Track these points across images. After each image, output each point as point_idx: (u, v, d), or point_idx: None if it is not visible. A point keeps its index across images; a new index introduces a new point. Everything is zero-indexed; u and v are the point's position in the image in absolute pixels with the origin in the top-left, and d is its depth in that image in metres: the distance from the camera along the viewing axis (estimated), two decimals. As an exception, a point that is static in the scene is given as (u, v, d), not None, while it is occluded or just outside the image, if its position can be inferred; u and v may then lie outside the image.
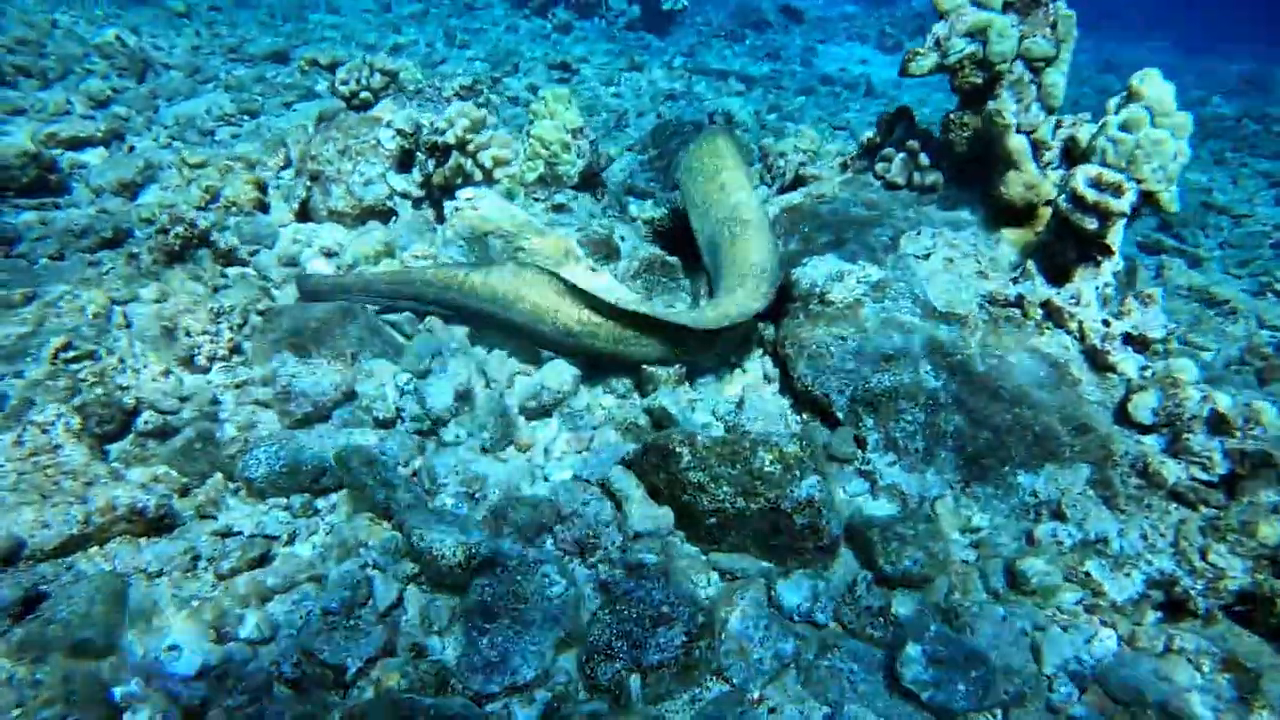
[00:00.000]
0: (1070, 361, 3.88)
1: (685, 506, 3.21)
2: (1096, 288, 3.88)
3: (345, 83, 6.64)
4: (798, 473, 3.10)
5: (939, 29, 4.25)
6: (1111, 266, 3.91)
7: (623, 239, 5.19)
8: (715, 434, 3.67)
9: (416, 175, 4.92)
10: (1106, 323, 3.86)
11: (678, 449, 3.17)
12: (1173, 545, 3.26)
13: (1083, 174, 3.73)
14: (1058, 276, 4.01)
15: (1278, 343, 5.92)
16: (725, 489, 3.11)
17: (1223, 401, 3.54)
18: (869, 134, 4.93)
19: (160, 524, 2.89)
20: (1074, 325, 3.89)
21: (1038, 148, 4.15)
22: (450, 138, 4.68)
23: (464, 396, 3.71)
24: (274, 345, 3.81)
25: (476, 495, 3.27)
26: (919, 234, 4.29)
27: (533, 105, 5.43)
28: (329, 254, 4.58)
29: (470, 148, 4.71)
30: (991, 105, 4.07)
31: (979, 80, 4.18)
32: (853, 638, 2.97)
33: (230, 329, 3.85)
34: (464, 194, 4.45)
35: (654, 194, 6.59)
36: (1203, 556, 3.18)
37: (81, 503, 2.78)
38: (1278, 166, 10.78)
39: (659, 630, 2.68)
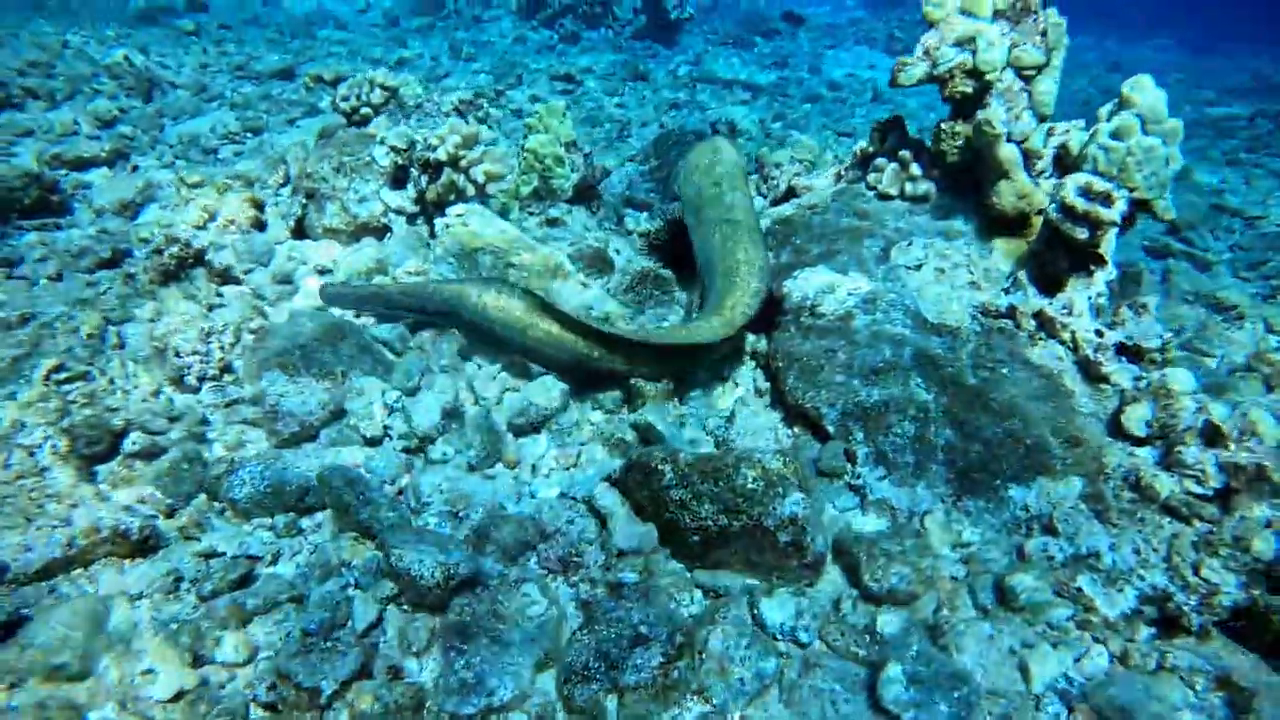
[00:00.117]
0: (1063, 373, 3.84)
1: (668, 524, 3.19)
2: (1089, 297, 3.84)
3: (346, 99, 6.68)
4: (781, 490, 3.08)
5: (928, 38, 4.22)
6: (1104, 276, 3.86)
7: (617, 252, 5.19)
8: (700, 450, 3.66)
9: (411, 191, 4.94)
10: (1100, 333, 3.82)
11: (659, 466, 3.16)
12: (1166, 560, 3.21)
13: (1073, 183, 3.69)
14: (1050, 286, 3.97)
15: (1283, 347, 5.84)
16: (708, 506, 3.09)
17: (1218, 412, 3.48)
18: (862, 143, 4.91)
19: (145, 545, 2.91)
20: (1067, 336, 3.85)
21: (1029, 156, 4.11)
22: (442, 154, 4.70)
23: (451, 414, 3.71)
24: (264, 364, 3.83)
25: (460, 513, 3.27)
26: (910, 245, 4.26)
27: (527, 119, 5.44)
28: (322, 271, 4.61)
29: (462, 163, 4.73)
30: (982, 114, 4.04)
31: (969, 89, 4.15)
32: (837, 656, 2.94)
33: (221, 348, 3.88)
34: (454, 210, 4.46)
35: (653, 205, 6.59)
36: (1196, 572, 3.12)
37: (65, 525, 2.80)
38: (1292, 167, 10.61)
39: (636, 651, 2.66)
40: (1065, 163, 4.08)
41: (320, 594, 2.86)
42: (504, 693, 2.59)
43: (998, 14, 4.13)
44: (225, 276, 4.54)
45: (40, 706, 2.24)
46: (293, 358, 3.84)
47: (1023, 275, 3.96)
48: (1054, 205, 3.73)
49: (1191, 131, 12.27)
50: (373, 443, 3.63)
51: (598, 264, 4.89)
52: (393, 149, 4.92)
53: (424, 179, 4.87)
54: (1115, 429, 3.63)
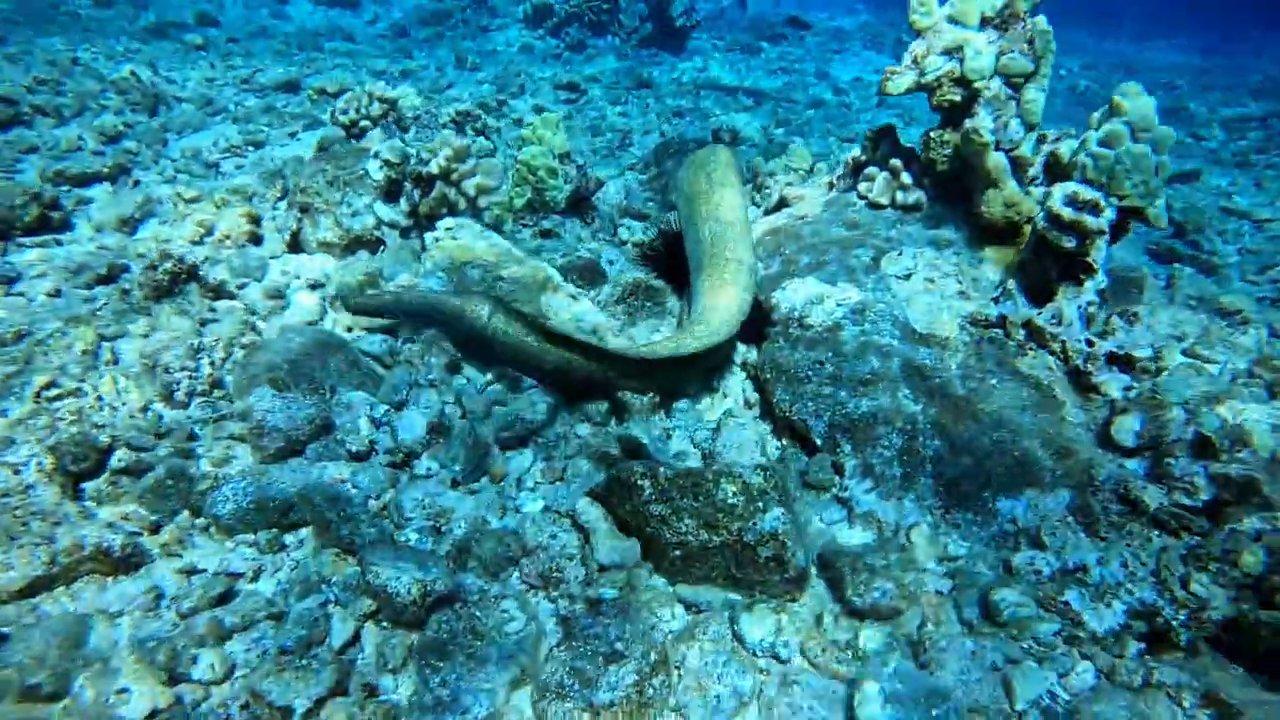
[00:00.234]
0: (1053, 383, 3.80)
1: (650, 539, 3.19)
2: (1079, 307, 3.80)
3: (345, 112, 6.74)
4: (761, 505, 3.07)
5: (916, 46, 4.21)
6: (1094, 285, 3.82)
7: (610, 263, 5.20)
8: (682, 464, 3.65)
9: (404, 205, 4.96)
10: (1090, 342, 3.78)
11: (639, 481, 3.15)
12: (1154, 574, 3.17)
13: (1060, 192, 3.66)
14: (1040, 296, 3.94)
15: (1289, 353, 5.76)
16: (688, 521, 3.08)
17: (1209, 423, 3.44)
18: (855, 152, 4.89)
19: (128, 563, 2.93)
20: (1056, 346, 3.81)
21: (1019, 165, 4.08)
22: (434, 167, 4.73)
23: (437, 429, 3.72)
24: (254, 379, 3.85)
25: (442, 529, 3.28)
26: (900, 254, 4.24)
27: (522, 131, 5.46)
28: (314, 285, 4.64)
29: (454, 177, 4.75)
30: (969, 123, 4.02)
31: (957, 98, 4.12)
32: (818, 673, 2.91)
33: (211, 364, 3.91)
34: (444, 224, 4.48)
35: (650, 215, 6.59)
36: (1184, 586, 3.08)
37: (48, 543, 2.83)
38: (1304, 168, 10.49)
39: (610, 668, 2.66)
40: (1055, 171, 4.04)
41: (299, 611, 2.87)
42: (478, 710, 2.59)
43: (985, 22, 4.11)
44: (219, 291, 4.57)
45: (14, 726, 2.26)
46: (281, 373, 3.86)
47: (1012, 285, 3.92)
48: (1042, 214, 3.70)
49: (1203, 132, 12.16)
50: (359, 457, 3.64)
51: (589, 276, 4.89)
52: (386, 163, 4.95)
53: (416, 192, 4.89)
54: (1105, 440, 3.59)
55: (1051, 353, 3.84)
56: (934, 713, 2.65)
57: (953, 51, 4.07)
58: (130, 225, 5.39)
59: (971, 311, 3.99)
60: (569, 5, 15.29)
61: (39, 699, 2.39)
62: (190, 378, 3.81)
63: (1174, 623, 3.05)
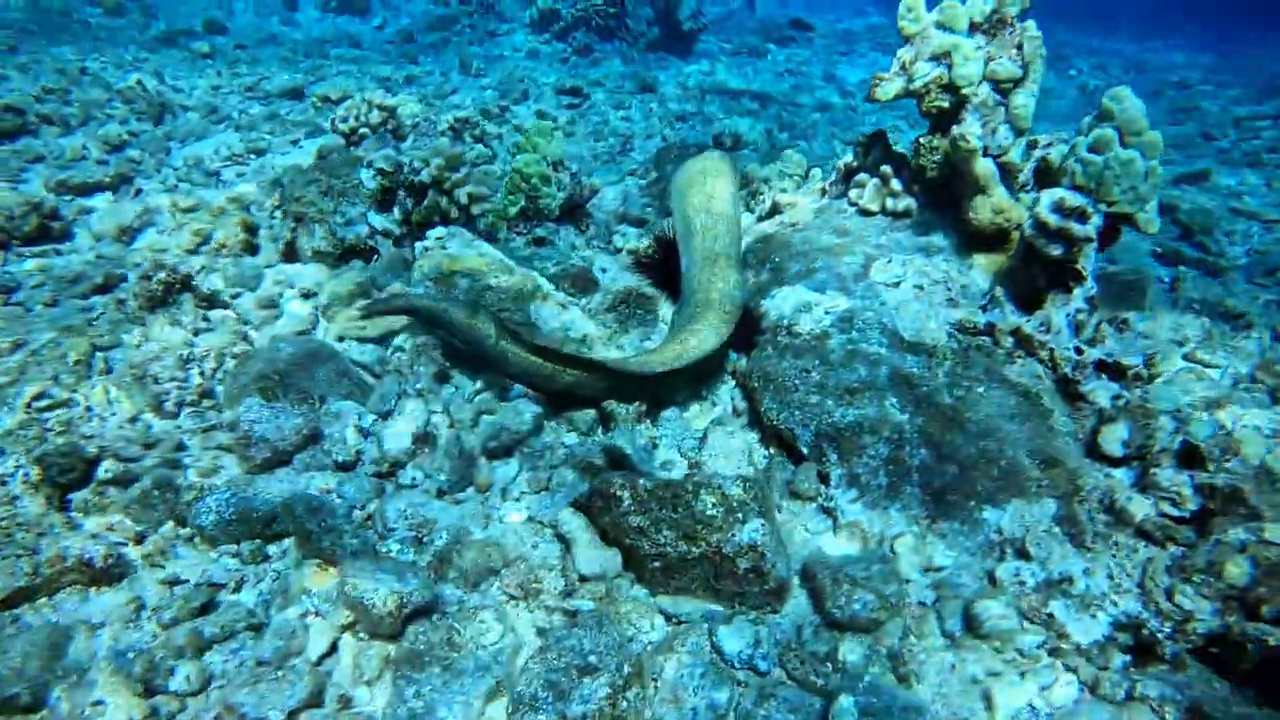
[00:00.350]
0: (1042, 392, 3.77)
1: (629, 550, 3.19)
2: (1067, 314, 3.77)
3: (344, 120, 6.79)
4: (740, 516, 3.06)
5: (904, 53, 4.19)
6: (1083, 292, 3.79)
7: (603, 271, 5.20)
8: (669, 474, 3.65)
9: (397, 214, 4.99)
10: (1079, 350, 3.75)
11: (618, 493, 3.15)
12: (1139, 586, 3.14)
13: (1047, 199, 3.63)
14: (1029, 303, 3.91)
15: (1294, 358, 5.68)
16: (666, 533, 3.08)
17: (1199, 431, 3.41)
18: (846, 159, 4.87)
19: (110, 574, 2.96)
20: (1045, 354, 3.78)
21: (1008, 171, 4.05)
22: (426, 177, 4.75)
23: (423, 439, 3.73)
24: (244, 389, 3.88)
25: (424, 539, 3.29)
26: (890, 261, 4.22)
27: (516, 139, 5.47)
28: (307, 295, 4.67)
29: (446, 185, 4.77)
30: (956, 130, 3.99)
31: (945, 104, 4.10)
32: (796, 685, 2.90)
33: (201, 374, 3.94)
34: (434, 234, 4.50)
35: (649, 221, 6.59)
36: (1169, 598, 3.05)
37: (31, 554, 2.86)
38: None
39: (584, 680, 2.65)
40: (1046, 177, 4.01)
41: (279, 622, 2.89)
42: (452, 722, 2.60)
43: (974, 27, 4.09)
44: (213, 301, 4.61)
45: (-12, 738, 2.28)
46: (271, 382, 3.89)
47: (1000, 292, 3.90)
48: (1030, 221, 3.68)
49: (1213, 131, 12.03)
50: (345, 468, 3.66)
51: (582, 284, 4.89)
52: (379, 172, 4.98)
53: (409, 201, 4.92)
54: (1093, 449, 3.56)
55: (1040, 361, 3.81)
56: (909, 726, 2.63)
57: (940, 57, 4.05)
58: (129, 235, 5.45)
59: (960, 319, 3.97)
60: (575, 10, 15.31)
61: (16, 710, 2.42)
62: (179, 388, 3.84)
63: (1159, 635, 3.02)
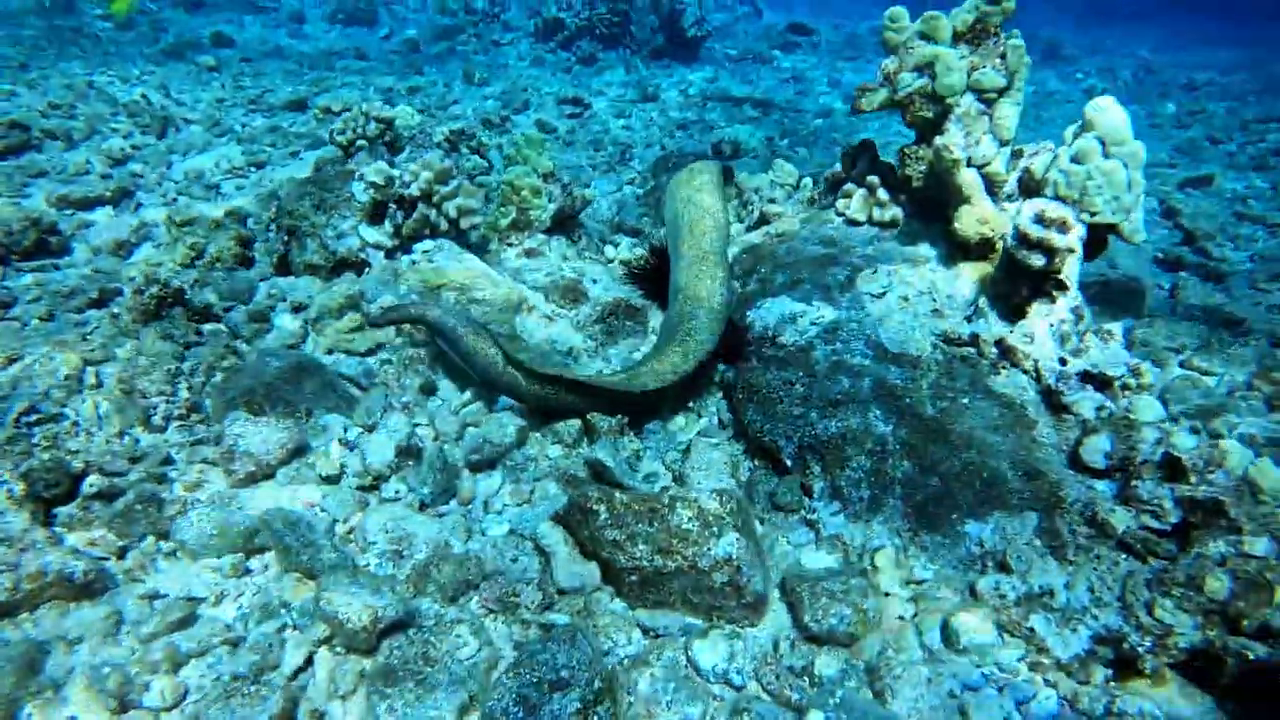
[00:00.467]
0: (1026, 403, 3.75)
1: (607, 563, 3.19)
2: (1052, 325, 3.75)
3: (342, 132, 6.83)
4: (716, 530, 3.06)
5: (888, 64, 4.19)
6: (1068, 302, 3.77)
7: (595, 281, 5.21)
8: (653, 486, 3.65)
9: (389, 226, 5.02)
10: (1063, 361, 3.73)
11: (594, 506, 3.16)
12: (1120, 599, 3.12)
13: (1028, 210, 3.62)
14: (1016, 313, 3.89)
15: (1293, 364, 5.63)
16: (642, 547, 3.08)
17: (1183, 443, 3.38)
18: (835, 168, 4.87)
19: (90, 589, 2.99)
20: (1029, 364, 3.76)
21: (992, 181, 4.04)
22: (415, 190, 4.78)
23: (406, 452, 3.75)
24: (231, 403, 3.92)
25: (404, 553, 3.30)
26: (875, 272, 4.21)
27: (507, 151, 5.50)
28: (298, 308, 4.71)
29: (435, 199, 4.80)
30: (939, 140, 3.99)
31: (930, 114, 4.10)
32: (770, 700, 2.90)
33: (189, 389, 3.98)
34: (421, 247, 4.52)
35: (644, 230, 6.61)
36: (1149, 611, 3.03)
37: (12, 570, 2.89)
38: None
39: (554, 695, 2.66)
40: (1030, 187, 3.99)
41: (256, 636, 2.91)
42: (424, 738, 2.61)
43: (958, 37, 4.08)
44: (206, 314, 4.66)
45: (-39, 754, 2.31)
46: (257, 396, 3.93)
47: (984, 302, 3.88)
48: (1011, 232, 3.66)
49: (1220, 133, 11.94)
50: (330, 481, 3.68)
51: (572, 295, 4.91)
52: (371, 185, 5.01)
53: (400, 214, 4.95)
54: (1076, 461, 3.54)
55: (1024, 371, 3.80)
56: (881, 742, 2.62)
57: (924, 68, 4.05)
58: (126, 249, 5.51)
59: (945, 329, 3.96)
60: (579, 19, 15.39)
61: (-12, 726, 2.45)
62: (167, 402, 3.88)
63: (1139, 649, 2.99)
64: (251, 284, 5.00)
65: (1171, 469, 3.30)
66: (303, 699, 2.73)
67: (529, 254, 5.25)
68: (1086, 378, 3.72)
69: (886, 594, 3.32)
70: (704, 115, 11.30)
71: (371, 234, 5.02)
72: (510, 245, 5.30)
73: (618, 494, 3.18)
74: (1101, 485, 3.44)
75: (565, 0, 15.59)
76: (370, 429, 3.91)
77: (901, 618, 3.23)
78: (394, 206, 5.00)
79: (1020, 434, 3.64)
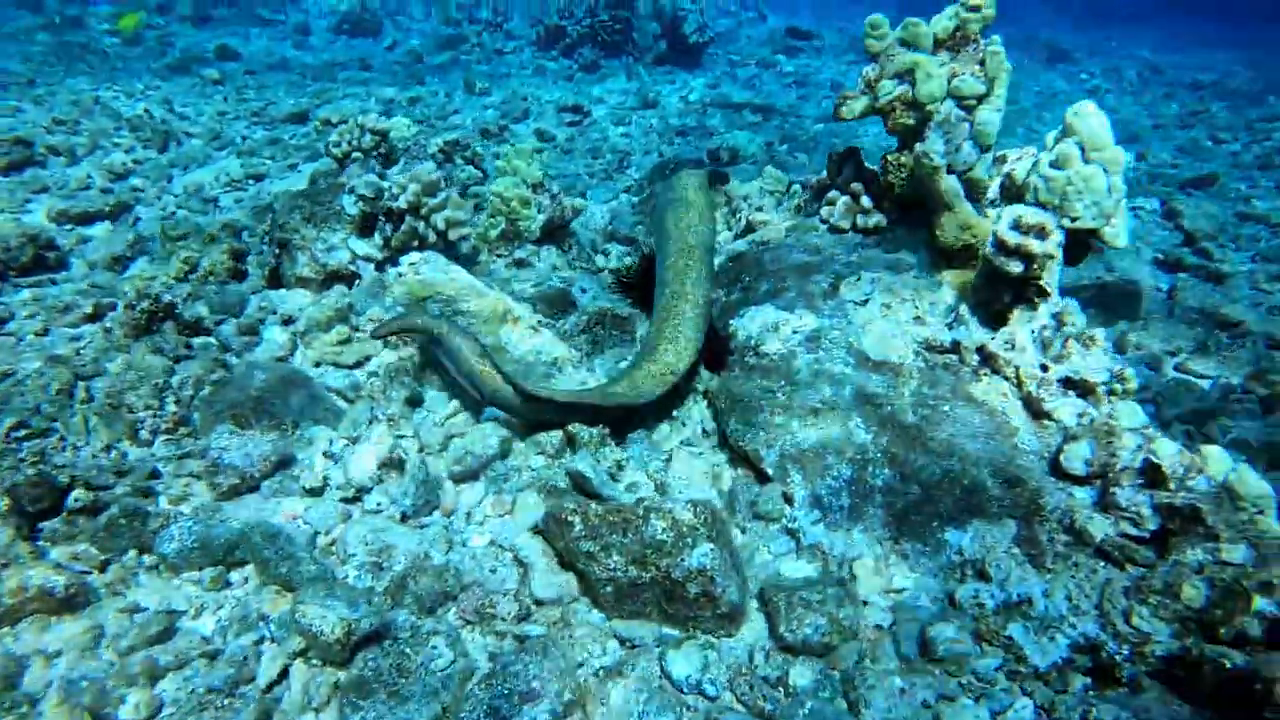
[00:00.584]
0: (1008, 410, 3.74)
1: (583, 574, 3.20)
2: (1033, 331, 3.73)
3: (338, 144, 6.88)
4: (690, 541, 3.07)
5: (869, 71, 4.19)
6: (1049, 308, 3.76)
7: (583, 291, 5.23)
8: (634, 496, 3.66)
9: (378, 239, 5.06)
10: (1045, 367, 3.71)
11: (570, 518, 3.18)
12: (1098, 607, 3.10)
13: (1006, 216, 3.61)
14: (997, 319, 3.88)
15: (1288, 364, 5.58)
16: (616, 558, 3.09)
17: (1164, 449, 3.35)
18: (821, 175, 4.87)
19: (72, 603, 3.02)
20: (1010, 371, 3.75)
21: (974, 187, 4.03)
22: (403, 202, 4.82)
23: (389, 464, 3.78)
24: (218, 416, 3.96)
25: (383, 565, 3.32)
26: (858, 279, 4.21)
27: (498, 162, 5.54)
28: (287, 321, 4.75)
29: (423, 211, 4.84)
30: (919, 147, 3.99)
31: (911, 121, 4.10)
32: (744, 711, 2.90)
33: (176, 403, 4.02)
34: (407, 259, 4.56)
35: (637, 239, 6.62)
36: (1127, 620, 3.01)
37: (-6, 584, 2.93)
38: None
39: (524, 707, 2.67)
40: (1011, 192, 3.98)
41: (233, 648, 2.94)
42: (395, 750, 2.63)
43: (938, 44, 4.08)
44: (196, 328, 4.70)
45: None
46: (244, 409, 3.97)
47: (964, 309, 3.87)
48: (990, 239, 3.66)
49: (1224, 132, 11.86)
50: (314, 493, 3.71)
51: (560, 305, 4.93)
52: (361, 198, 5.05)
53: (389, 226, 4.99)
54: (1057, 468, 3.52)
55: (1006, 378, 3.78)
56: (850, 753, 2.62)
57: (904, 75, 4.05)
58: (122, 264, 5.57)
59: (927, 337, 3.95)
60: (581, 27, 15.46)
61: (-37, 741, 2.48)
62: (154, 416, 3.93)
63: (1117, 658, 2.98)
64: (243, 297, 5.05)
65: (1153, 475, 3.28)
66: (276, 712, 2.76)
67: (519, 264, 5.27)
68: (1069, 384, 3.70)
69: (865, 603, 3.32)
70: (704, 121, 11.31)
71: (361, 246, 5.06)
72: (500, 256, 5.33)
73: (592, 505, 3.19)
74: (1081, 492, 3.42)
75: (567, 8, 15.66)
76: (355, 441, 3.94)
77: (879, 627, 3.22)
78: (383, 219, 5.04)
79: (1001, 441, 3.63)
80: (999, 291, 3.77)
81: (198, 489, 3.69)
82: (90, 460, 3.66)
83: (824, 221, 4.63)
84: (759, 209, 5.05)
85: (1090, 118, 3.74)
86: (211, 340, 4.67)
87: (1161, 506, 3.15)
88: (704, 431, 4.21)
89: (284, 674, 2.87)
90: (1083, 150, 3.72)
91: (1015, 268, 3.57)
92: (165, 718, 2.69)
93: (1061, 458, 3.47)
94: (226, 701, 2.71)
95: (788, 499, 3.72)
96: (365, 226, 5.16)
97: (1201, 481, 3.24)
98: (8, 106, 9.02)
